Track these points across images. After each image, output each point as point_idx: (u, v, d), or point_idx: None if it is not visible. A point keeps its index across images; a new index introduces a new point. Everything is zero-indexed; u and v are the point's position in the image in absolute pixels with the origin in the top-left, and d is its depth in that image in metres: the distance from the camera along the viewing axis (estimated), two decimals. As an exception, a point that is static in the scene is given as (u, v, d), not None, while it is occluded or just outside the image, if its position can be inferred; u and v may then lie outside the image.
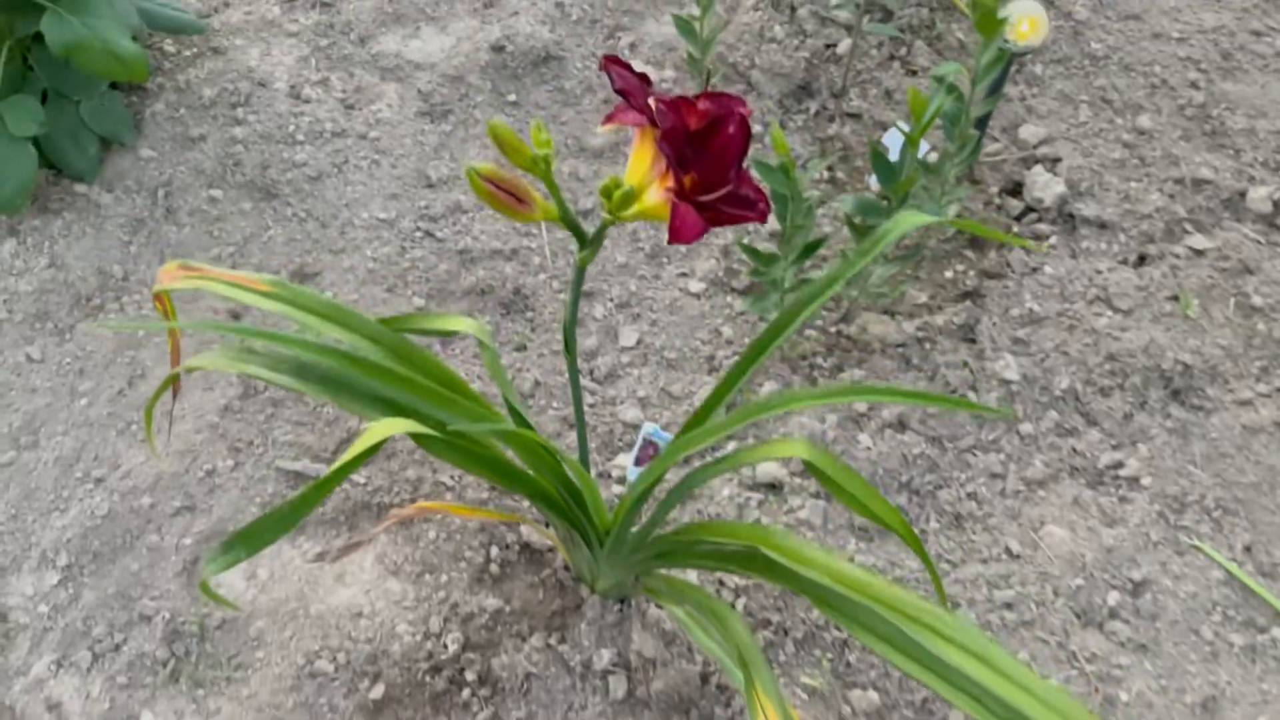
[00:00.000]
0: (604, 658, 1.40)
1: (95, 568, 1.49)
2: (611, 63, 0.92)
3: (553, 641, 1.43)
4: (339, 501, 1.55)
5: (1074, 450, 1.66)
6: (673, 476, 1.54)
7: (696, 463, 1.57)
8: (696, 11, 2.05)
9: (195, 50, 2.02)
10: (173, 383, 1.23)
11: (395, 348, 1.21)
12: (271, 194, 1.85)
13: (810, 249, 1.54)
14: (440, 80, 2.01)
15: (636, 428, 1.65)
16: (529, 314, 1.77)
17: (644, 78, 0.94)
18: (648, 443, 1.51)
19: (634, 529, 1.33)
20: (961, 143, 1.68)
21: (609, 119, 0.89)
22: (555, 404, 1.67)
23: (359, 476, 1.57)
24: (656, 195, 0.89)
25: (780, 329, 1.08)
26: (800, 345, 1.76)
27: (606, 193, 0.90)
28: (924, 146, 1.91)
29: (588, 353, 1.73)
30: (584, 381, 1.69)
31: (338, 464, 1.19)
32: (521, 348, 1.73)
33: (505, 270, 1.79)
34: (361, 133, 1.93)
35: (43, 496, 1.54)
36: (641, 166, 0.93)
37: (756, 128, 2.04)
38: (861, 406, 1.69)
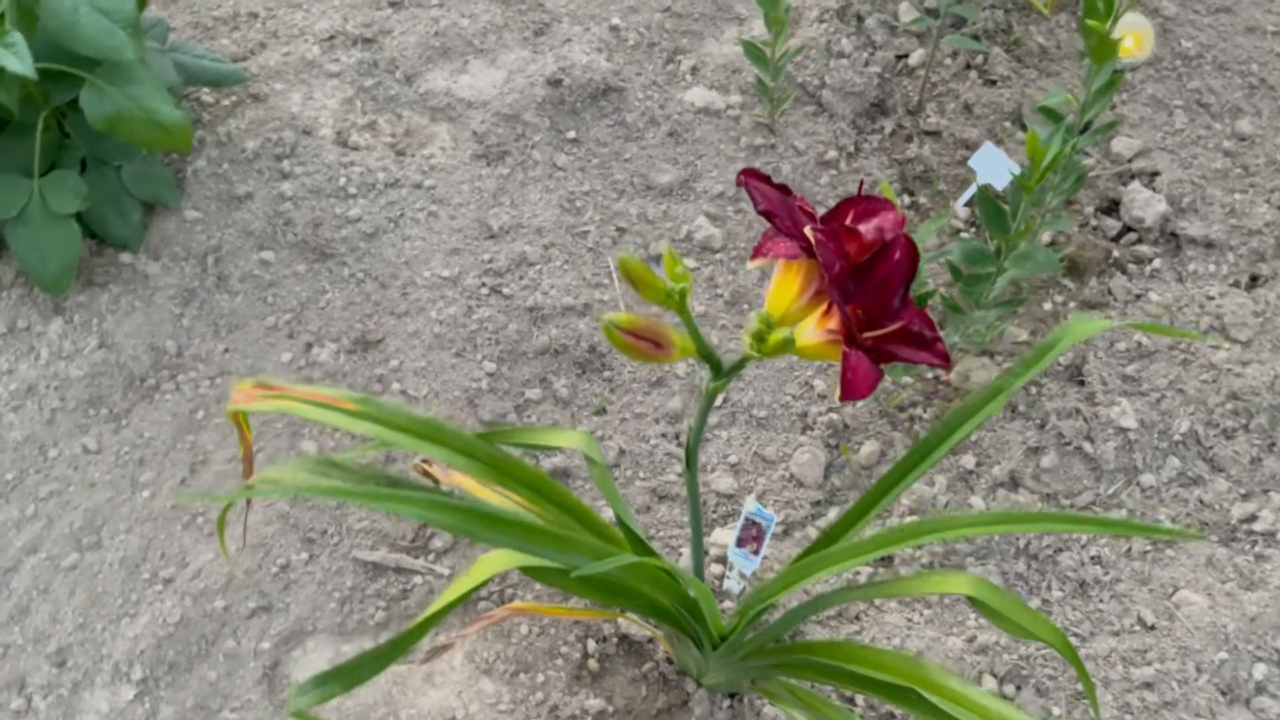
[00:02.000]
0: (718, 762, 1.31)
1: (171, 679, 1.40)
2: (751, 178, 0.80)
3: (661, 744, 1.34)
4: (423, 596, 1.46)
5: (1201, 502, 1.54)
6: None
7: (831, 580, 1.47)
8: (756, 28, 1.93)
9: (235, 98, 1.91)
10: (245, 495, 1.13)
11: (492, 461, 1.11)
12: (326, 254, 1.74)
13: (917, 303, 1.41)
14: (494, 119, 1.89)
15: (730, 498, 1.55)
16: (606, 373, 1.66)
17: (784, 190, 0.82)
18: (750, 523, 1.40)
19: (751, 635, 1.23)
20: (1068, 174, 1.55)
21: (758, 252, 0.78)
22: (642, 474, 1.57)
23: (442, 567, 1.48)
24: (815, 334, 0.78)
25: (918, 460, 0.97)
26: (897, 395, 1.65)
27: (759, 335, 0.79)
28: (1000, 160, 1.79)
29: (672, 415, 1.62)
30: (671, 448, 1.59)
31: (442, 601, 1.10)
32: (601, 411, 1.63)
33: (579, 327, 1.68)
34: (416, 181, 1.82)
35: (110, 602, 1.45)
36: (787, 294, 0.81)
37: (832, 153, 1.92)
38: (970, 462, 1.58)
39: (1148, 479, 1.56)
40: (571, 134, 1.89)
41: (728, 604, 1.44)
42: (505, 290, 1.71)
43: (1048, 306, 1.78)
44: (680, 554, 1.49)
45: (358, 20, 2.03)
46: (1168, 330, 0.93)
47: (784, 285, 0.82)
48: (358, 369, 1.64)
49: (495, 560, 1.02)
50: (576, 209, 1.81)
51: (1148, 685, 1.37)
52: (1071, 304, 1.78)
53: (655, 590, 1.14)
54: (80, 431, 1.58)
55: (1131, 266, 1.82)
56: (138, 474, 1.55)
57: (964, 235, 1.85)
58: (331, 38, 2.00)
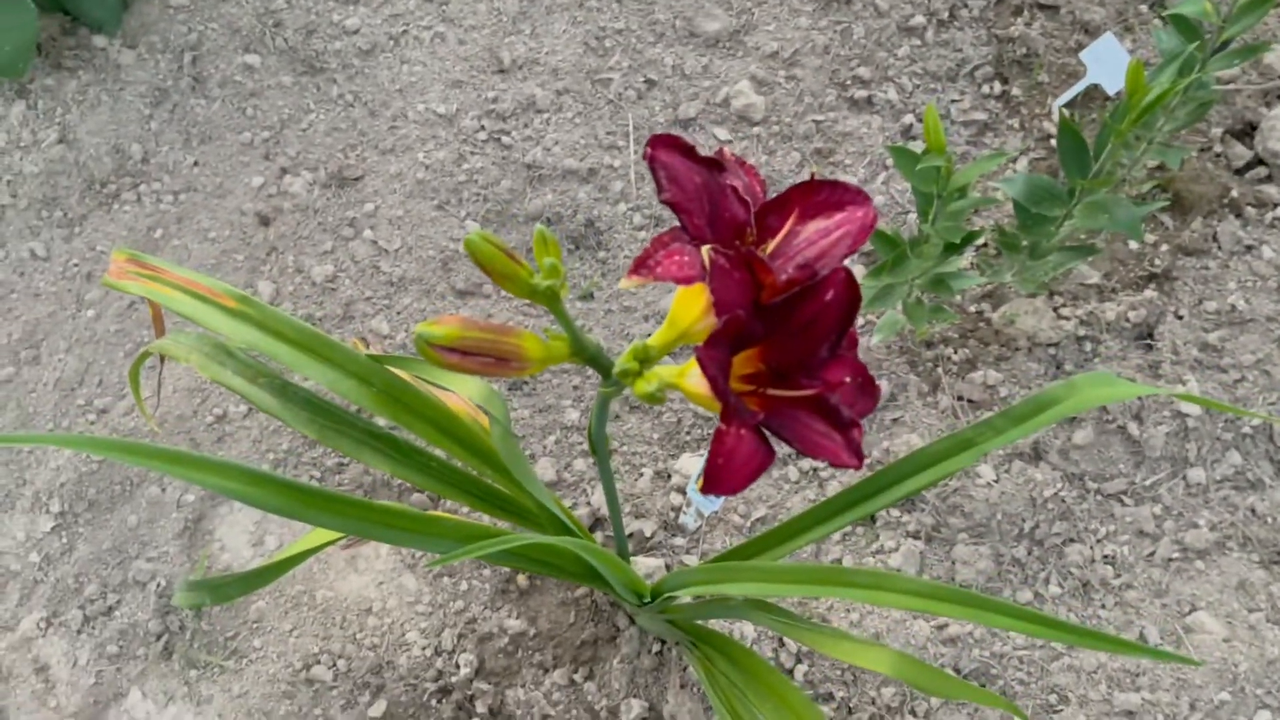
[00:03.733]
0: (633, 710, 1.21)
1: (91, 517, 1.34)
2: (661, 149, 0.59)
3: (578, 678, 1.25)
4: (357, 474, 1.35)
5: (1252, 512, 1.32)
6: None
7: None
8: None
9: None
10: (147, 357, 1.01)
11: (390, 390, 0.95)
12: (316, 67, 1.54)
13: (955, 247, 1.18)
14: (529, -74, 1.62)
15: (710, 420, 1.38)
16: (601, 253, 1.47)
17: (711, 166, 0.61)
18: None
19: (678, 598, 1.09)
20: (1192, 102, 1.25)
21: (640, 264, 0.57)
22: (619, 375, 1.40)
23: (381, 447, 1.36)
24: (703, 382, 0.59)
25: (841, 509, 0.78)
26: (924, 328, 1.42)
27: (628, 374, 0.60)
28: (1121, 59, 1.47)
29: (664, 315, 1.43)
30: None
31: (279, 558, 0.99)
32: (588, 296, 1.45)
33: (579, 195, 1.48)
34: (428, -8, 1.59)
35: (40, 425, 1.38)
36: (691, 309, 0.62)
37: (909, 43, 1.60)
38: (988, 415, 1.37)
39: (1197, 475, 1.34)
40: (615, -46, 1.61)
41: (678, 541, 1.30)
42: (505, 139, 1.50)
43: (1133, 245, 1.50)
44: (642, 473, 1.35)
45: None
46: (1216, 404, 0.70)
47: (689, 297, 0.62)
48: (330, 206, 1.48)
49: (326, 533, 0.89)
50: (604, 49, 1.56)
51: (1129, 714, 1.21)
52: (1164, 246, 1.50)
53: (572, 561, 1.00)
54: (30, 234, 1.47)
55: (1250, 210, 1.51)
56: (84, 290, 1.44)
57: (1055, 144, 1.55)
58: None
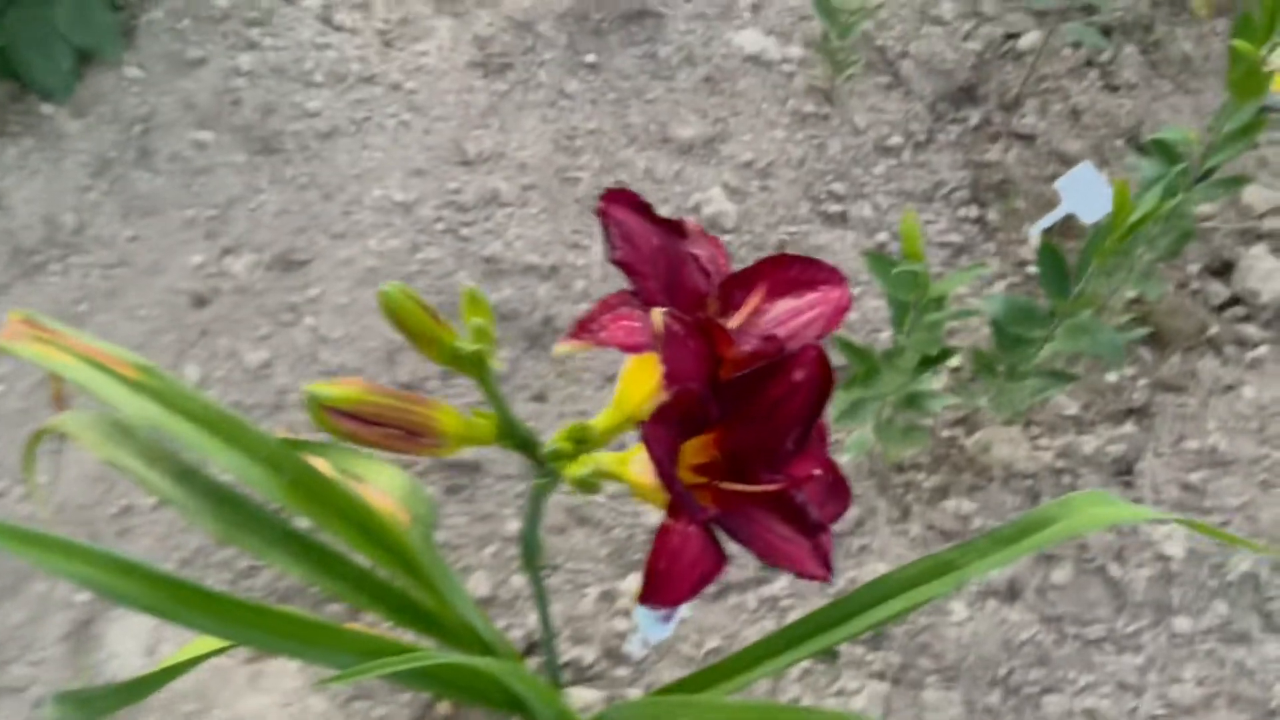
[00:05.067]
0: None
1: (-32, 612, 1.20)
2: (616, 205, 0.51)
3: (500, 825, 1.10)
4: (270, 580, 1.23)
5: (1241, 668, 1.23)
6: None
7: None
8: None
9: (218, -56, 1.64)
10: (43, 435, 0.90)
11: (302, 479, 0.85)
12: (272, 147, 1.48)
13: (931, 361, 1.11)
14: (505, 24, 1.59)
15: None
16: (558, 354, 1.38)
17: (671, 229, 0.53)
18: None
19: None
20: (1171, 227, 1.21)
21: (583, 328, 0.49)
22: (565, 485, 1.30)
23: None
24: (648, 472, 0.50)
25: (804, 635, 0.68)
26: (899, 449, 1.35)
27: (559, 456, 0.51)
28: (1097, 188, 1.44)
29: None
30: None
31: (161, 667, 0.87)
32: (541, 397, 1.36)
33: (539, 292, 1.41)
34: (395, 81, 1.54)
35: (-75, 507, 1.25)
36: (641, 387, 0.53)
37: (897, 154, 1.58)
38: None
39: (1182, 623, 1.25)
40: (590, 57, 1.59)
41: (620, 671, 1.18)
42: (464, 230, 1.44)
43: (1111, 378, 1.45)
44: (585, 593, 1.24)
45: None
46: (1214, 533, 0.62)
47: (639, 374, 0.53)
48: (272, 289, 1.39)
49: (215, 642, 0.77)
50: (575, 148, 1.52)
51: None
52: (1143, 380, 1.44)
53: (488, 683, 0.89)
54: (-55, 300, 1.37)
55: (1229, 348, 1.47)
56: (-5, 363, 1.34)
57: (1031, 270, 1.51)
58: (346, -107, 1.70)
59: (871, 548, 1.27)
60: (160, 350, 1.35)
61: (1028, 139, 1.62)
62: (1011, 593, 1.26)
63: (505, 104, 1.55)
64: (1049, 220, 1.54)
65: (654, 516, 1.26)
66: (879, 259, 1.02)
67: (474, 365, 0.52)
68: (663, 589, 0.43)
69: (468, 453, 1.28)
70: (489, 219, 1.45)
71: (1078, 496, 0.65)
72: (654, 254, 0.51)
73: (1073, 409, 1.41)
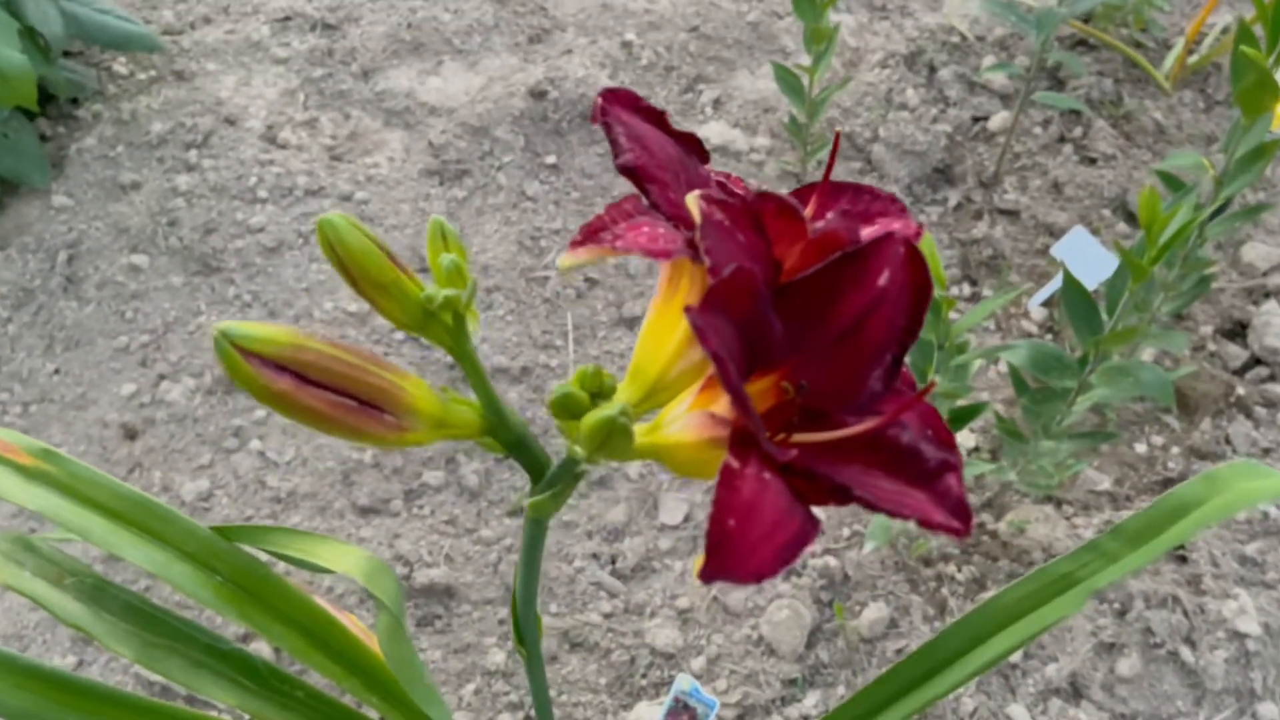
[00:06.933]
0: None
1: None
2: (614, 104, 0.39)
3: None
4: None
5: (1348, 759, 1.06)
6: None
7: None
8: (804, 62, 1.54)
9: (154, 74, 1.57)
10: None
11: (239, 577, 0.69)
12: (212, 267, 1.37)
13: (962, 418, 0.98)
14: (459, 130, 1.52)
15: (670, 659, 1.10)
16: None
17: (680, 137, 0.41)
18: (682, 706, 0.96)
19: None
20: (1189, 271, 1.12)
21: (589, 235, 0.36)
22: (555, 607, 1.14)
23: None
24: (691, 423, 0.36)
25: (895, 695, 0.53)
26: (922, 542, 1.20)
27: (563, 405, 0.37)
28: (1094, 251, 1.37)
29: (610, 531, 1.19)
30: (602, 576, 1.16)
31: None
32: (517, 511, 1.21)
33: (510, 395, 1.28)
34: (345, 192, 1.45)
35: None
36: (662, 350, 0.40)
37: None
38: (1016, 654, 1.12)
39: (1268, 711, 1.09)
40: (551, 159, 1.51)
41: (635, 821, 0.99)
42: (424, 338, 1.31)
43: (1141, 449, 1.33)
44: (585, 731, 1.05)
45: (323, 2, 1.69)
46: None
47: (661, 326, 0.40)
48: (213, 415, 1.25)
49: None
50: (539, 249, 1.42)
51: None
52: (1175, 448, 1.32)
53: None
54: None
55: (1260, 410, 1.36)
56: (-109, 517, 1.17)
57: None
58: (287, 19, 1.66)
59: (909, 650, 1.11)
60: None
61: (1012, 214, 1.56)
62: (1075, 691, 1.10)
63: (464, 210, 1.46)
64: (1048, 291, 1.46)
65: (660, 636, 1.10)
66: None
67: (443, 323, 0.39)
68: (734, 557, 0.29)
69: (440, 576, 1.11)
70: (452, 325, 1.33)
71: (1224, 469, 0.52)
72: (670, 162, 0.39)
73: (1105, 484, 1.28)
